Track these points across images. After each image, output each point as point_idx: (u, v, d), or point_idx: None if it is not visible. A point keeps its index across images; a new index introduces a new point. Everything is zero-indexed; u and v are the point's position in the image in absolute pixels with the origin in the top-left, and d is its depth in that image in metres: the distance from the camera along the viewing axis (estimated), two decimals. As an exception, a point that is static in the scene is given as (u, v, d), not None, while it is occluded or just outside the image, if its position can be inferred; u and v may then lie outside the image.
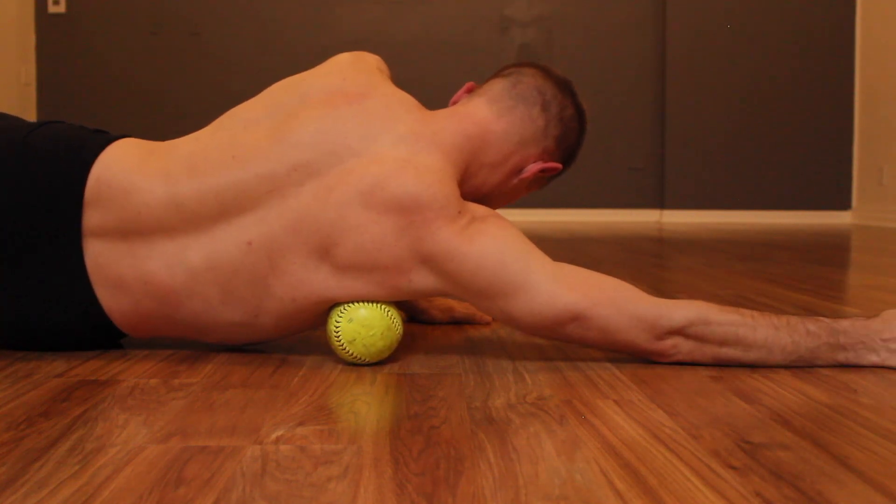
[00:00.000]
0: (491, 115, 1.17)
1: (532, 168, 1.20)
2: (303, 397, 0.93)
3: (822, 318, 1.09)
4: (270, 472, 0.69)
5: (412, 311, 1.43)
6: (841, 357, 1.07)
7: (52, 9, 5.14)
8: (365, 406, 0.90)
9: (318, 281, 1.06)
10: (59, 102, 5.18)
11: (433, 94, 5.18)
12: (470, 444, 0.77)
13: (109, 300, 1.09)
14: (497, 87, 1.20)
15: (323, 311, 1.10)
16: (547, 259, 1.06)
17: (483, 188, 1.19)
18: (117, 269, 1.08)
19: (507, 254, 1.04)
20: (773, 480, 0.68)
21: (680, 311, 1.04)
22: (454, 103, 1.23)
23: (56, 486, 0.66)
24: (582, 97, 1.27)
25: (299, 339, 1.27)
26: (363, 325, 1.06)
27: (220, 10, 5.22)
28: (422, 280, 1.06)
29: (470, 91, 1.24)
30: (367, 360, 1.08)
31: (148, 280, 1.08)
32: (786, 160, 5.22)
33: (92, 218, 1.07)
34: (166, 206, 1.07)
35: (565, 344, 1.23)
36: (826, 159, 5.22)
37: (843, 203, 5.24)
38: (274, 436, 0.79)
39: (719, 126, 5.21)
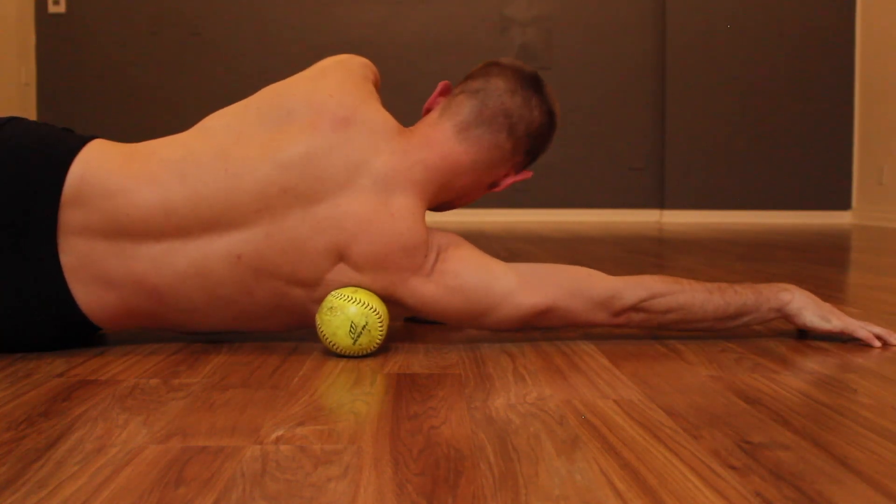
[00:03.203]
0: (459, 147, 1.21)
1: (505, 182, 1.29)
2: (303, 397, 0.93)
3: (746, 283, 1.27)
4: (270, 472, 0.69)
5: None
6: (764, 308, 1.24)
7: (52, 9, 5.14)
8: (365, 406, 0.90)
9: (299, 296, 1.15)
10: (59, 102, 5.19)
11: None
12: (470, 444, 0.77)
13: (91, 297, 1.10)
14: (465, 110, 1.23)
15: (304, 315, 1.17)
16: (506, 270, 1.18)
17: (455, 203, 1.30)
18: (104, 266, 1.09)
19: (471, 284, 1.16)
20: (773, 480, 0.68)
21: (631, 291, 1.19)
22: (428, 110, 1.29)
23: (56, 486, 0.66)
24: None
25: (299, 338, 1.27)
26: (342, 315, 1.11)
27: (220, 10, 5.22)
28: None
29: (445, 94, 1.29)
30: (378, 308, 1.12)
31: (137, 279, 1.10)
32: (786, 160, 5.22)
33: (73, 216, 1.08)
34: (157, 210, 1.08)
35: (565, 344, 1.23)
36: (826, 159, 5.22)
37: (843, 203, 5.24)
38: (274, 436, 0.79)
39: (719, 126, 5.22)
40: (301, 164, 1.11)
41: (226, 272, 1.11)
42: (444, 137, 1.21)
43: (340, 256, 1.12)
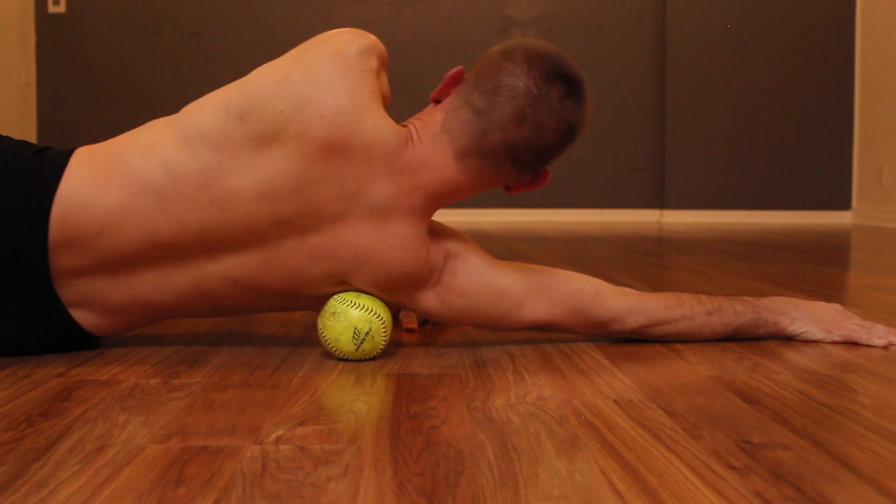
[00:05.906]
0: (460, 175, 1.11)
1: (520, 188, 1.18)
2: (303, 397, 0.93)
3: (746, 299, 1.26)
4: (270, 472, 0.69)
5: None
6: (760, 331, 1.25)
7: (52, 9, 5.14)
8: (365, 406, 0.90)
9: (306, 301, 1.16)
10: (59, 102, 5.18)
11: (433, 94, 5.19)
12: (470, 444, 0.77)
13: (94, 320, 1.13)
14: (465, 136, 1.10)
15: (314, 307, 1.18)
16: (513, 283, 1.16)
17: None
18: (105, 296, 1.10)
19: (477, 305, 1.16)
20: (773, 480, 0.68)
21: (632, 317, 1.20)
22: (435, 99, 1.15)
23: (56, 486, 0.66)
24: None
25: (299, 339, 1.27)
26: (345, 318, 1.11)
27: (220, 11, 5.22)
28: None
29: (457, 82, 1.14)
30: (382, 313, 1.12)
31: (139, 302, 1.12)
32: (786, 160, 5.22)
33: (64, 260, 1.07)
34: (144, 243, 1.07)
35: (565, 343, 1.23)
36: (826, 159, 5.22)
37: (843, 203, 5.24)
38: (274, 436, 0.79)
39: (719, 126, 5.21)
40: (291, 196, 1.06)
41: (226, 292, 1.12)
42: (443, 163, 1.10)
43: (342, 281, 1.12)
